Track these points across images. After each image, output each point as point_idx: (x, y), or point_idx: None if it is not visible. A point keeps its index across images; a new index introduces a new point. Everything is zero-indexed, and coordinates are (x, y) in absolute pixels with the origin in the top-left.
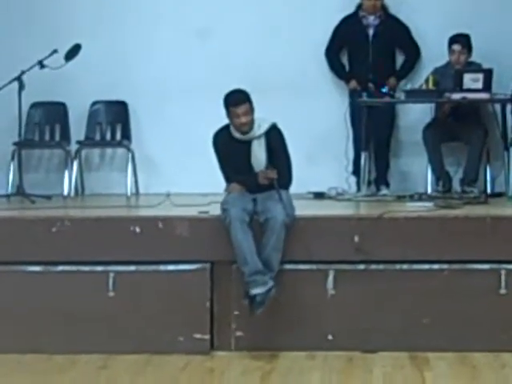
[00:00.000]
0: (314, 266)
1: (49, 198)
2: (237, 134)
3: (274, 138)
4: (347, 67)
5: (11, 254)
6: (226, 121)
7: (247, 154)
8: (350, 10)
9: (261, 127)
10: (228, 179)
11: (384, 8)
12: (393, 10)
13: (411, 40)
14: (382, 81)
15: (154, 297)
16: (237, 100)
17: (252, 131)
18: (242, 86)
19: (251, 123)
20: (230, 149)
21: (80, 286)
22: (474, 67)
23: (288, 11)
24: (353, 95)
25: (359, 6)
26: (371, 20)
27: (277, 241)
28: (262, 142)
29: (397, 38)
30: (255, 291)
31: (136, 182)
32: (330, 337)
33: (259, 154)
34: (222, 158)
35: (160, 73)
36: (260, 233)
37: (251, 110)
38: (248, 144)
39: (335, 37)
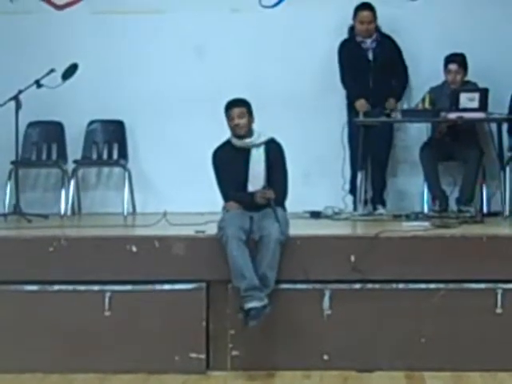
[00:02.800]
0: (310, 286)
1: (45, 217)
2: (236, 141)
3: (274, 150)
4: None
5: (7, 273)
6: (223, 139)
7: (246, 162)
8: (348, 23)
9: (261, 136)
10: (226, 197)
11: (377, 28)
12: (388, 29)
13: (402, 64)
14: (382, 103)
15: (150, 316)
16: (232, 103)
17: (251, 138)
18: None
19: (246, 127)
20: (229, 158)
21: (76, 305)
22: (470, 86)
23: (287, 29)
24: (350, 113)
25: (352, 29)
26: (369, 43)
27: (272, 258)
28: (262, 152)
29: (392, 59)
30: (250, 305)
31: (133, 201)
32: (325, 356)
33: (258, 163)
34: (221, 173)
35: (157, 92)
36: (256, 251)
37: (248, 115)
38: (247, 152)
39: (342, 63)
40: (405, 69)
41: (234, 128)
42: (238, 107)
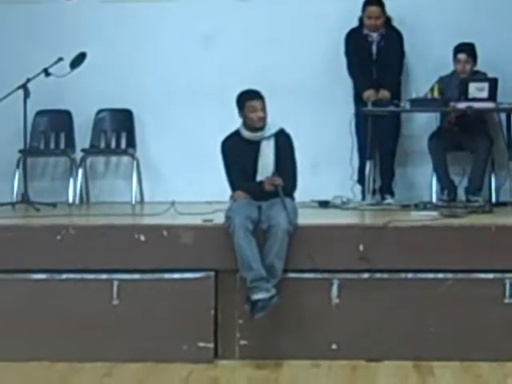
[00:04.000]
0: (318, 275)
1: (54, 205)
2: (247, 133)
3: (283, 141)
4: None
5: (16, 262)
6: (231, 128)
7: (255, 154)
8: (356, 15)
9: (271, 128)
10: (234, 187)
11: (388, 20)
12: (397, 20)
13: (400, 55)
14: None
15: (158, 305)
16: (255, 95)
17: (262, 131)
18: None
19: (265, 121)
20: (239, 150)
21: (84, 293)
22: (480, 76)
23: (295, 18)
24: (358, 104)
25: (361, 19)
26: (375, 37)
27: (279, 248)
28: (271, 143)
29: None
30: (257, 296)
31: (141, 190)
32: (334, 346)
33: (267, 156)
34: (230, 163)
35: (165, 81)
36: (263, 241)
37: (266, 109)
38: (257, 144)
39: (348, 52)
40: (400, 60)
41: (255, 120)
42: (261, 99)
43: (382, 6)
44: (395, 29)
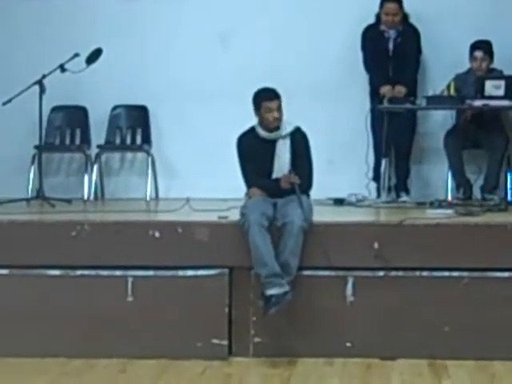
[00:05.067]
0: (333, 273)
1: (69, 201)
2: (263, 133)
3: (299, 140)
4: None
5: (30, 258)
6: (247, 125)
7: (271, 153)
8: (372, 11)
9: (286, 128)
10: (249, 183)
11: (405, 16)
12: (414, 15)
13: (417, 52)
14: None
15: (173, 302)
16: (271, 95)
17: (279, 130)
18: None
19: (281, 120)
20: (255, 148)
21: (99, 290)
22: (496, 74)
23: (310, 16)
24: (374, 100)
25: (378, 16)
26: (391, 33)
27: (294, 245)
28: (287, 142)
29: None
30: (271, 292)
31: (156, 186)
32: (348, 343)
33: (283, 155)
34: (245, 160)
35: (181, 77)
36: (278, 238)
37: (282, 108)
38: (273, 143)
39: (365, 48)
40: (416, 57)
41: (272, 121)
42: (277, 99)
43: (399, 2)
44: (412, 26)
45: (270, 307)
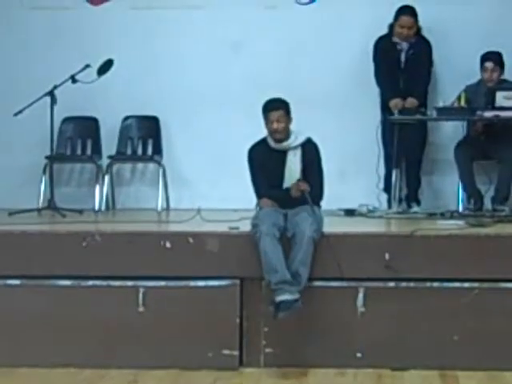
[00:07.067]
0: (344, 283)
1: (80, 212)
2: (273, 143)
3: (310, 151)
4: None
5: (42, 268)
6: (258, 135)
7: (282, 164)
8: (384, 23)
9: (297, 138)
10: (260, 194)
11: (418, 29)
12: (425, 27)
13: (428, 64)
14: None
15: (184, 312)
16: (271, 106)
17: (288, 141)
18: None
19: (284, 131)
20: (265, 159)
21: (110, 300)
22: (507, 85)
23: (321, 26)
24: (385, 112)
25: (391, 27)
26: (404, 45)
27: (304, 255)
28: (298, 153)
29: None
30: (281, 298)
31: (167, 197)
32: (359, 354)
33: (294, 165)
34: (256, 171)
35: (192, 88)
36: (289, 248)
37: (286, 118)
38: (284, 154)
39: (376, 59)
40: (428, 70)
41: (271, 131)
42: (276, 110)
43: (415, 16)
44: (424, 38)
45: (279, 312)
